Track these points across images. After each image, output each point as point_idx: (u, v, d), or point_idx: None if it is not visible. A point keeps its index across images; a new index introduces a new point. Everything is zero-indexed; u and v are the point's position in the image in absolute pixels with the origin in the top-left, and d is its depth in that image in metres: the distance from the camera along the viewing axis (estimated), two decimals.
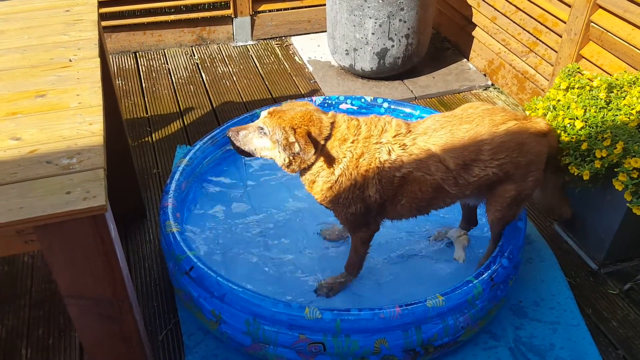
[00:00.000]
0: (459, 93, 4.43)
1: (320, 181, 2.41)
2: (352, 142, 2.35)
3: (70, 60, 2.15)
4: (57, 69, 2.09)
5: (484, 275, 2.43)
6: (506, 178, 2.45)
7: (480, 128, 2.38)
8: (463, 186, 2.43)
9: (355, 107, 3.52)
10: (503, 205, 2.53)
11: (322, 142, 2.35)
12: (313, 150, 2.29)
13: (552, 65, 3.86)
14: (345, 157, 2.35)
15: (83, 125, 1.78)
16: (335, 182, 2.38)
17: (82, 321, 1.73)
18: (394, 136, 2.38)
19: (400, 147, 2.37)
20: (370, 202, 2.41)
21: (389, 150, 2.36)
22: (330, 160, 2.36)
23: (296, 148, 2.30)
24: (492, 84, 4.52)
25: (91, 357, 1.96)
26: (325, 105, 3.52)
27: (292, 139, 2.29)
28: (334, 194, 2.41)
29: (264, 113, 2.41)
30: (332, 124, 2.38)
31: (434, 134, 2.39)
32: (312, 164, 2.38)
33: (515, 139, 2.39)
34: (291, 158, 2.35)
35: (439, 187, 2.41)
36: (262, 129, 2.36)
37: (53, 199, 1.48)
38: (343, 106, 3.52)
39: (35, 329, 2.58)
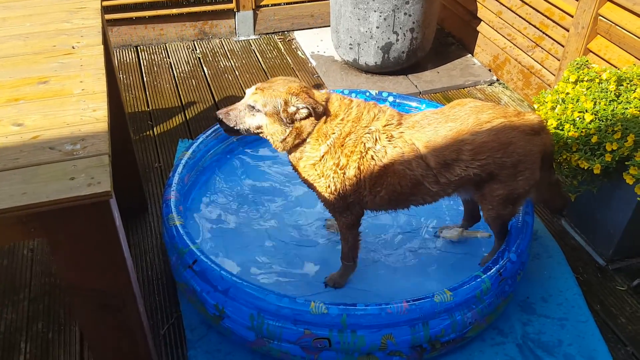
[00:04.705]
0: (463, 88, 4.39)
1: (305, 157, 2.39)
2: (342, 120, 2.33)
3: (73, 48, 2.10)
4: (60, 56, 2.05)
5: (492, 270, 2.39)
6: (491, 178, 2.39)
7: (463, 127, 2.32)
8: (444, 185, 2.38)
9: None
10: (494, 204, 2.46)
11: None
12: (322, 107, 2.28)
13: (559, 60, 3.82)
14: (334, 133, 2.32)
15: (87, 112, 1.73)
16: (320, 159, 2.35)
17: (85, 312, 1.69)
18: (384, 126, 2.35)
19: (387, 137, 2.33)
20: (348, 185, 2.37)
21: (376, 139, 2.32)
22: (318, 135, 2.34)
23: (302, 113, 2.28)
24: (497, 79, 4.48)
25: (93, 349, 1.92)
26: None
27: (293, 105, 2.27)
28: (317, 172, 2.38)
29: (250, 90, 2.37)
30: (327, 100, 2.36)
31: (420, 130, 2.35)
32: (304, 139, 2.36)
33: (499, 139, 2.31)
34: (287, 131, 2.32)
35: (419, 183, 2.36)
36: (252, 107, 2.32)
37: (57, 185, 1.44)
38: None
39: (35, 323, 2.53)
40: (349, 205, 2.46)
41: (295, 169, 2.49)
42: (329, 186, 2.39)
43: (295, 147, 2.39)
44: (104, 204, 1.46)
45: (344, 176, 2.35)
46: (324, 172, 2.37)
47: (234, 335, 2.33)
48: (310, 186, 2.48)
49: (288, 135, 2.33)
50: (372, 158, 2.32)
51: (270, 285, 2.64)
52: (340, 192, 2.39)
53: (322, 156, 2.35)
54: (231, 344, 2.43)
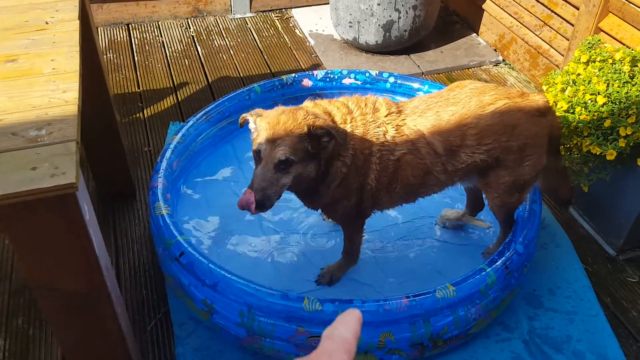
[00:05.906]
0: (468, 69, 4.21)
1: (329, 179, 2.14)
2: (351, 122, 2.15)
3: (47, 23, 1.95)
4: (32, 32, 1.90)
5: (497, 263, 2.26)
6: (497, 164, 2.24)
7: (466, 110, 2.17)
8: (452, 173, 2.23)
9: (359, 82, 3.31)
10: (499, 192, 2.32)
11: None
12: (340, 128, 2.05)
13: (568, 40, 3.64)
14: (352, 140, 2.13)
15: (56, 93, 1.58)
16: (345, 175, 2.15)
17: (54, 315, 1.55)
18: (386, 115, 2.18)
19: (393, 127, 2.17)
20: (366, 191, 2.21)
21: (384, 131, 2.16)
22: (340, 151, 2.11)
23: (324, 141, 2.01)
24: (503, 60, 4.30)
25: (68, 355, 1.78)
26: (327, 80, 3.31)
27: (314, 135, 2.00)
28: (342, 190, 2.17)
29: (263, 147, 1.98)
30: (326, 112, 2.15)
31: (422, 115, 2.19)
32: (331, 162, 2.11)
33: (504, 121, 2.17)
34: (319, 164, 2.06)
35: (428, 172, 2.21)
36: (282, 162, 1.95)
37: (16, 176, 1.29)
38: (346, 81, 3.31)
39: (15, 318, 2.40)
40: (360, 212, 2.32)
41: (312, 199, 2.25)
42: (350, 198, 2.21)
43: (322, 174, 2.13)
44: (69, 196, 1.31)
45: (364, 181, 2.18)
46: (348, 185, 2.17)
47: (224, 332, 2.21)
48: (327, 208, 2.30)
49: (319, 167, 2.07)
50: (387, 152, 2.16)
51: (262, 279, 2.50)
52: (358, 199, 2.23)
53: (348, 168, 2.13)
54: (222, 341, 2.30)
